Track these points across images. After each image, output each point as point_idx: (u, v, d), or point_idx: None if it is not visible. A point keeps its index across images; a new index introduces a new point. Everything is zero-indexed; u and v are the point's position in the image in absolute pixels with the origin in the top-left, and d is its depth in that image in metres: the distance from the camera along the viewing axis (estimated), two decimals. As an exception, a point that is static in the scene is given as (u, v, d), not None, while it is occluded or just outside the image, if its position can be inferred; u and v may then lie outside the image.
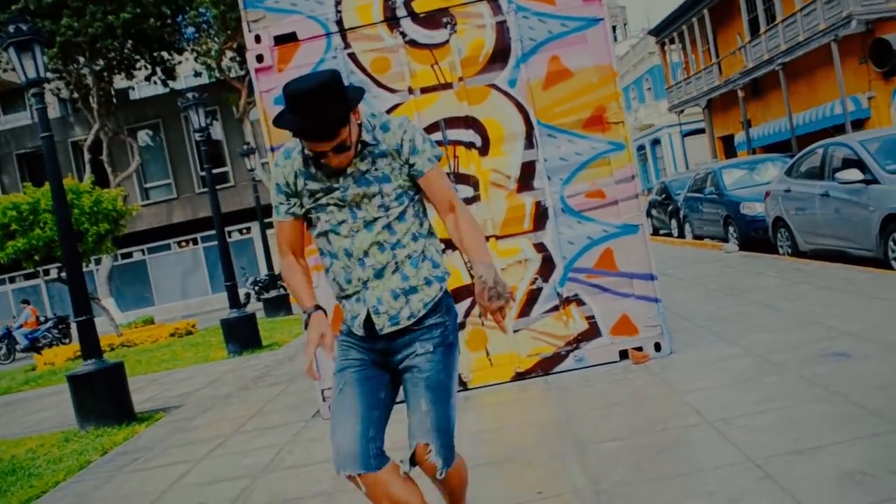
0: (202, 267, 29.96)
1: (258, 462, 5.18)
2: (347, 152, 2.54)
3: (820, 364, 4.97)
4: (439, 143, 5.90)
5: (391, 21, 5.88)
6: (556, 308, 5.99)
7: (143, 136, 29.68)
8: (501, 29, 5.90)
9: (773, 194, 11.27)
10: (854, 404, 4.08)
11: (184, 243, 30.14)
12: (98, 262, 18.56)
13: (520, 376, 6.00)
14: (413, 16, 5.87)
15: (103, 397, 7.51)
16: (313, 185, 2.65)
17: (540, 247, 5.98)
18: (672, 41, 39.50)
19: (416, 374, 2.67)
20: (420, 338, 2.70)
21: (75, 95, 25.36)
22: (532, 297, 6.01)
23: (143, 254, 29.77)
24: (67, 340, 21.74)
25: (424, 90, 5.90)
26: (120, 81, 27.25)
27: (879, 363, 4.77)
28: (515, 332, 5.99)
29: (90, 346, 7.60)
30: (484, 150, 5.95)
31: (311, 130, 2.45)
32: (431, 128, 5.91)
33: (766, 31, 29.22)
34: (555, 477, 3.84)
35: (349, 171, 2.62)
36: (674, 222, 18.53)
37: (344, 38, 5.89)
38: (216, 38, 24.18)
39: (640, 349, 5.97)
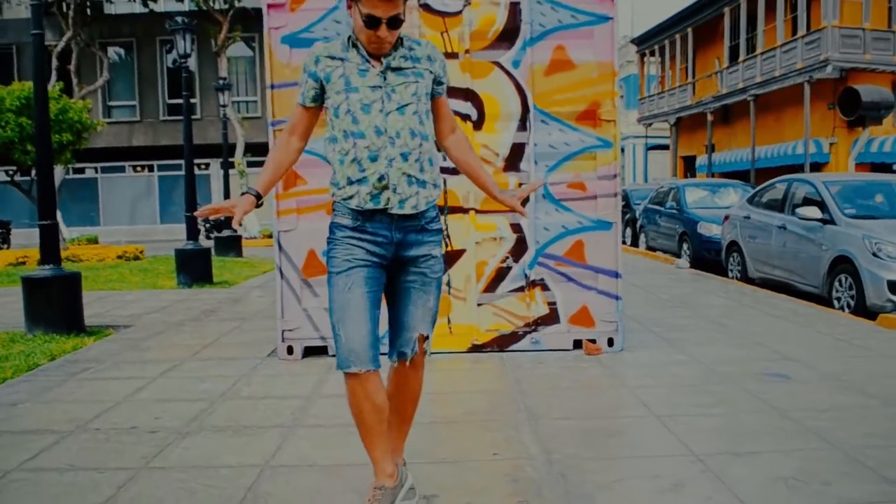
0: (154, 195, 29.56)
1: (215, 388, 5.27)
2: (395, 31, 2.82)
3: (762, 382, 5.26)
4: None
5: (410, -18, 5.97)
6: (521, 289, 6.18)
7: (114, 53, 29.01)
8: (514, 10, 6.02)
9: (732, 219, 11.64)
10: (791, 421, 4.36)
11: (139, 168, 29.65)
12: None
13: (476, 348, 6.19)
14: (432, -20, 5.97)
15: (56, 304, 7.46)
16: (349, 66, 2.89)
17: (516, 227, 6.16)
18: (652, 53, 40.00)
19: (428, 274, 3.00)
20: (429, 239, 3.00)
21: (51, -1, 24.70)
22: (500, 274, 6.19)
23: (96, 172, 29.20)
24: (6, 246, 21.33)
25: (432, 56, 5.99)
26: (100, -7, 26.63)
27: (816, 389, 5.07)
28: (479, 305, 6.17)
29: (51, 251, 7.53)
30: (478, 125, 6.09)
31: None
32: (432, 94, 6.02)
33: (744, 59, 29.80)
34: (509, 442, 4.04)
35: (389, 60, 2.89)
36: (629, 230, 18.93)
37: (361, -10, 5.94)
38: (204, -33, 23.76)
39: (594, 341, 6.20)
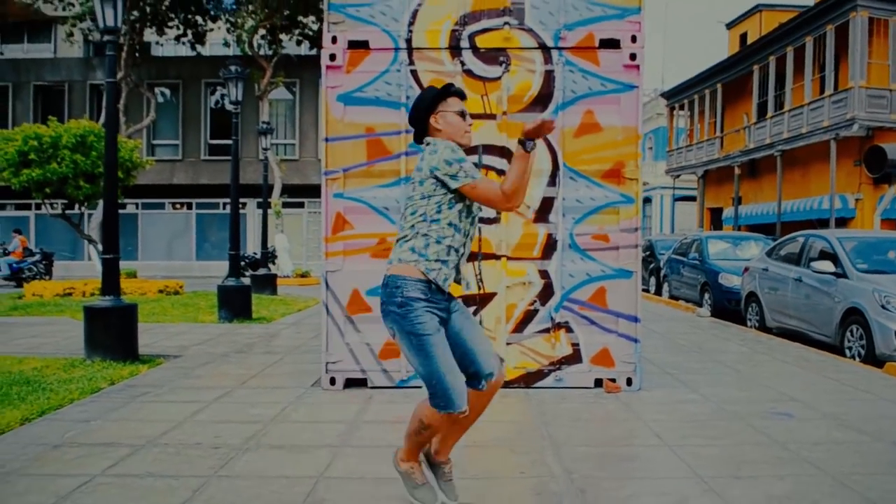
0: (191, 232, 30.44)
1: (266, 413, 5.82)
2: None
3: (766, 419, 5.72)
4: (475, 165, 6.60)
5: (454, 49, 6.62)
6: (547, 330, 6.71)
7: (161, 93, 30.18)
8: (549, 77, 6.65)
9: (752, 271, 12.10)
10: (789, 451, 4.83)
11: (178, 205, 30.61)
12: (92, 206, 18.95)
13: (504, 384, 6.67)
14: (474, 49, 6.62)
15: (114, 333, 8.08)
16: None
17: (544, 273, 6.71)
18: (682, 107, 40.66)
19: (469, 317, 3.75)
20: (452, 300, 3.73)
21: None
22: (528, 316, 6.72)
23: (137, 208, 30.19)
24: (48, 277, 22.13)
25: (473, 115, 6.57)
26: (149, 35, 27.78)
27: (815, 426, 5.53)
28: (507, 345, 6.70)
29: (112, 283, 8.19)
30: (511, 179, 6.67)
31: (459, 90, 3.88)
32: (470, 151, 6.60)
33: (772, 116, 30.34)
34: (534, 464, 4.54)
35: None
36: (653, 280, 19.38)
37: (410, 55, 6.62)
38: (253, 15, 24.83)
39: (613, 380, 6.69)
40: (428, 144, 3.64)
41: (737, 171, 33.22)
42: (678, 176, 40.99)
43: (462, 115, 3.67)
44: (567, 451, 4.81)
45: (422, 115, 3.67)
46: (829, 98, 26.53)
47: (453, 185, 3.48)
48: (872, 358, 8.49)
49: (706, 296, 14.59)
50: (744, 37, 37.82)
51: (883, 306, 8.50)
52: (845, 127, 25.51)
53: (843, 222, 25.96)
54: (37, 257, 22.02)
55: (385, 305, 3.56)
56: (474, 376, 3.63)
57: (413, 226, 3.56)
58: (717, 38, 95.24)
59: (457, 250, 3.58)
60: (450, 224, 3.54)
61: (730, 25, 40.46)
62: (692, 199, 42.22)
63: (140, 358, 8.24)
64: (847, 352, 9.05)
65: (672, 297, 17.07)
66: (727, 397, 6.49)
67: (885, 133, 25.55)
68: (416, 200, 3.57)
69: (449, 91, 3.70)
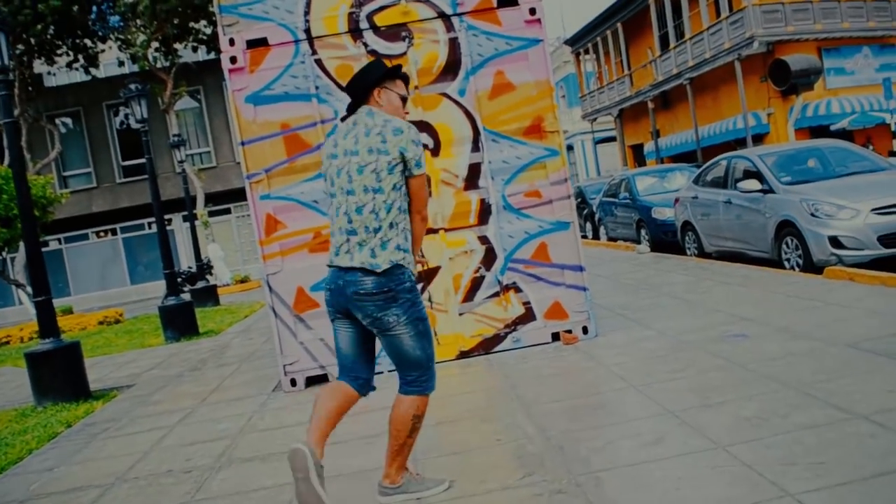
0: (121, 257, 29.68)
1: (232, 427, 5.73)
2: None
3: (723, 343, 5.86)
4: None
5: (354, 32, 6.53)
6: (496, 294, 6.73)
7: (62, 124, 29.22)
8: (454, 44, 6.60)
9: (682, 201, 12.33)
10: (750, 371, 4.95)
11: (102, 233, 29.79)
12: (14, 249, 18.31)
13: (463, 354, 6.72)
14: (375, 28, 6.54)
15: (61, 375, 7.84)
16: None
17: (483, 239, 6.72)
18: (587, 51, 41.01)
19: None
20: None
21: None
22: (476, 283, 6.73)
23: (60, 243, 29.27)
24: (-19, 328, 21.38)
25: (385, 95, 6.55)
26: (39, 67, 26.82)
27: (771, 342, 5.68)
28: (460, 315, 6.71)
29: (49, 325, 7.94)
30: (435, 152, 6.64)
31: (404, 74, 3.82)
32: (389, 130, 6.57)
33: (675, 46, 30.83)
34: (508, 429, 4.57)
35: None
36: (589, 225, 19.62)
37: (311, 45, 6.50)
38: (143, 28, 24.13)
39: (569, 332, 6.76)
40: (373, 117, 3.46)
41: (650, 105, 33.73)
42: (595, 119, 41.44)
43: (404, 100, 3.64)
44: (538, 410, 4.85)
45: (368, 84, 3.54)
46: (726, 20, 27.06)
47: (416, 171, 3.43)
48: (811, 266, 8.74)
49: (643, 232, 14.84)
50: (635, -27, 38.20)
51: (813, 214, 8.74)
52: (746, 46, 26.06)
53: (759, 139, 26.61)
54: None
55: (392, 292, 3.36)
56: (367, 383, 3.70)
57: (392, 223, 3.40)
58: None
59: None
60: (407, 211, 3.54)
61: (619, -37, 40.81)
62: (612, 139, 42.77)
63: (92, 395, 8.03)
64: (786, 264, 9.30)
65: (610, 238, 17.31)
66: (682, 328, 6.62)
67: (785, 45, 26.20)
68: (389, 192, 3.38)
69: (398, 72, 3.64)
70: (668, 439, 3.95)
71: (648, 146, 35.58)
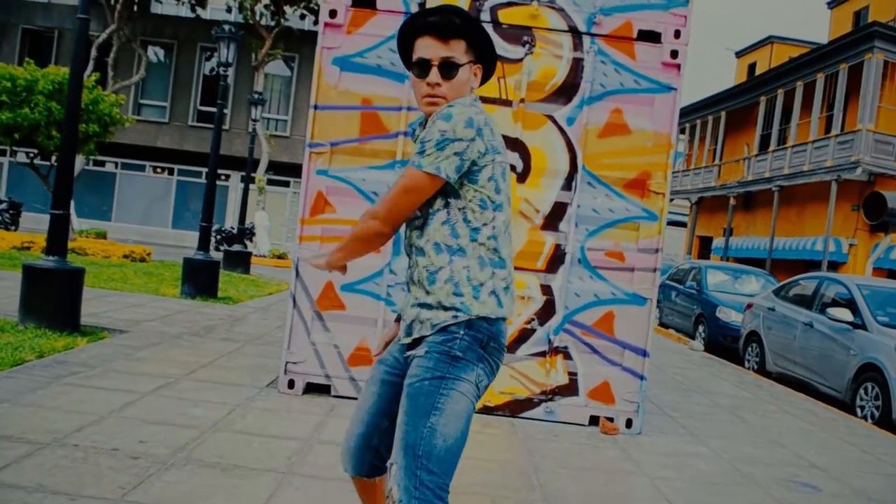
0: (170, 198, 29.36)
1: (207, 416, 4.93)
2: (452, 80, 2.37)
3: (790, 490, 4.91)
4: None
5: (473, 21, 5.74)
6: (543, 354, 5.85)
7: (154, 52, 29.09)
8: (576, 66, 5.79)
9: (756, 308, 11.32)
10: (827, 542, 4.00)
11: (160, 170, 29.51)
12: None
13: (487, 410, 5.84)
14: (496, 23, 5.74)
15: (54, 298, 7.14)
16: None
17: (546, 289, 5.85)
18: (682, 131, 40.00)
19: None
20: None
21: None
22: (523, 335, 5.86)
23: (116, 167, 29.07)
24: (14, 228, 21.07)
25: (483, 100, 5.71)
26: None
27: (848, 507, 4.72)
28: (495, 364, 5.83)
29: (58, 242, 7.24)
30: (522, 177, 5.82)
31: (438, 21, 2.38)
32: (478, 139, 5.77)
33: (774, 150, 29.71)
34: (521, 526, 3.69)
35: None
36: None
37: (422, 22, 5.72)
38: (260, -19, 23.91)
39: (611, 420, 5.85)
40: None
41: (732, 201, 32.56)
42: (672, 200, 40.33)
43: (419, 67, 2.39)
44: (562, 511, 3.95)
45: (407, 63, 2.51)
46: (834, 138, 25.91)
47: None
48: (888, 421, 7.71)
49: (700, 328, 13.80)
50: (752, 67, 37.36)
51: (905, 365, 7.73)
52: (848, 170, 24.89)
53: (834, 266, 25.35)
54: (3, 206, 20.88)
55: None
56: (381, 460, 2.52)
57: None
58: (724, 66, 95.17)
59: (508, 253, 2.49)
60: (489, 233, 2.45)
61: (739, 54, 39.98)
62: (682, 224, 41.66)
63: (81, 329, 7.30)
64: (859, 411, 8.26)
65: (661, 324, 16.28)
66: (739, 454, 5.66)
67: (887, 180, 24.96)
68: None
69: (414, 26, 2.41)
70: None
71: (718, 241, 34.39)
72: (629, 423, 5.86)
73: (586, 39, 5.76)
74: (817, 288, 10.04)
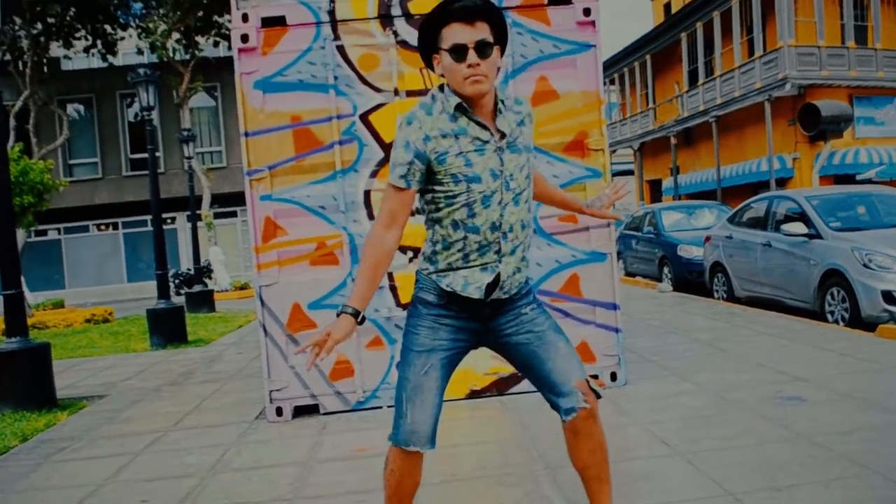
0: (120, 253, 28.92)
1: (203, 461, 4.92)
2: (488, 60, 2.53)
3: (777, 406, 5.04)
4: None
5: (384, 18, 5.75)
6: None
7: (74, 110, 28.60)
8: (493, 42, 5.83)
9: (714, 239, 11.53)
10: (820, 447, 4.13)
11: (104, 226, 29.05)
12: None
13: (475, 394, 5.91)
14: (408, 16, 5.76)
15: (25, 379, 7.04)
16: (464, 142, 2.58)
17: (508, 265, 5.91)
18: (612, 82, 40.38)
19: (535, 327, 2.74)
20: (519, 301, 2.76)
21: (7, 58, 24.30)
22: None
23: (60, 233, 28.55)
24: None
25: (410, 93, 5.79)
26: (56, 50, 26.27)
27: (835, 410, 4.87)
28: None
29: (17, 322, 7.14)
30: (462, 162, 5.86)
31: (464, 7, 2.52)
32: (412, 133, 5.80)
33: (703, 83, 30.17)
34: (530, 498, 3.77)
35: (501, 128, 2.62)
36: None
37: (334, 29, 5.73)
38: (164, 18, 23.54)
39: (596, 377, 5.94)
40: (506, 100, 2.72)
41: (673, 140, 33.02)
42: (614, 151, 40.73)
43: (455, 52, 2.52)
44: (565, 476, 4.00)
45: (425, 54, 2.69)
46: (759, 59, 26.39)
47: None
48: (858, 321, 7.93)
49: (665, 270, 14.02)
50: (667, 6, 37.74)
51: (865, 265, 7.95)
52: (778, 87, 25.37)
53: (782, 183, 25.86)
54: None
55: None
56: (557, 408, 2.77)
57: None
58: (642, 11, 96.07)
59: (480, 253, 2.68)
60: (454, 225, 2.68)
61: (653, -4, 40.38)
62: (630, 173, 42.07)
63: (59, 403, 7.22)
64: (829, 317, 8.49)
65: (627, 273, 16.50)
66: (725, 383, 5.80)
67: (817, 90, 25.50)
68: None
69: (441, 15, 2.56)
70: (738, 536, 3.13)
71: (667, 182, 34.85)
72: (613, 377, 5.97)
73: (497, 15, 5.80)
74: (768, 208, 10.26)
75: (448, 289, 2.65)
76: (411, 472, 2.73)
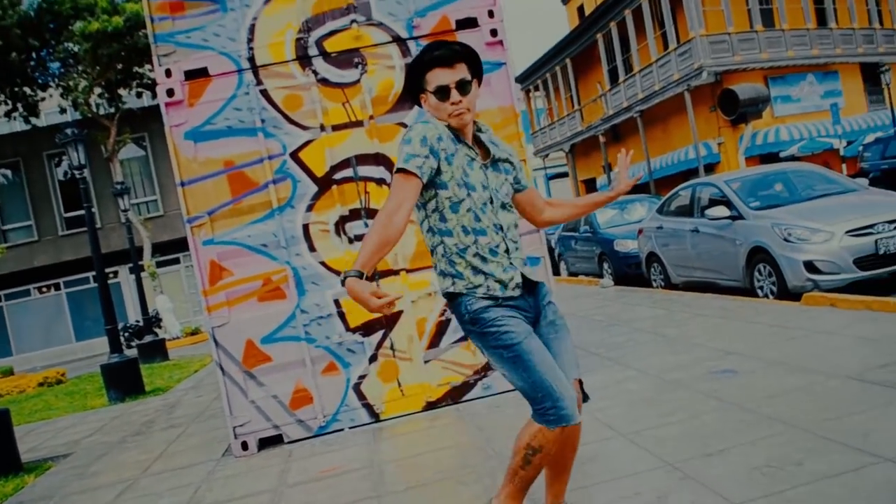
0: (65, 313, 28.47)
1: (177, 502, 5.10)
2: (469, 95, 2.93)
3: (711, 381, 5.41)
4: (350, 179, 6.07)
5: (303, 59, 6.03)
6: (464, 338, 6.20)
7: (1, 175, 28.17)
8: (409, 70, 6.14)
9: (646, 231, 11.99)
10: (749, 411, 4.50)
11: (45, 289, 28.60)
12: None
13: (431, 406, 6.17)
14: (325, 54, 6.05)
15: (-13, 447, 7.11)
16: (461, 155, 2.95)
17: (448, 279, 6.20)
18: (536, 88, 41.19)
19: (557, 321, 3.06)
20: (542, 295, 3.09)
21: None
22: (441, 328, 6.21)
23: (1, 300, 28.05)
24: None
25: (336, 127, 6.07)
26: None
27: (763, 377, 5.25)
28: (426, 362, 6.17)
29: (-27, 392, 7.20)
30: (393, 186, 6.14)
31: (443, 54, 2.92)
32: (343, 164, 6.08)
33: (624, 80, 31.02)
34: (488, 492, 4.02)
35: (490, 156, 3.04)
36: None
37: (256, 74, 5.99)
38: (84, 74, 23.41)
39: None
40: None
41: (601, 139, 33.81)
42: (547, 155, 41.54)
43: (439, 93, 2.91)
44: (520, 468, 4.31)
45: (412, 96, 3.09)
46: (674, 52, 27.26)
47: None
48: (786, 293, 8.39)
49: (605, 265, 14.47)
50: (581, 9, 38.66)
51: (786, 239, 8.42)
52: (695, 76, 26.25)
53: (710, 168, 26.70)
54: None
55: (461, 324, 3.06)
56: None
57: (432, 249, 3.13)
58: (557, 16, 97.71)
59: (494, 253, 3.01)
60: (463, 230, 3.02)
61: (565, 1, 41.29)
62: (565, 175, 42.88)
63: (24, 467, 7.28)
64: (759, 292, 8.95)
65: (571, 273, 16.94)
66: (664, 366, 6.16)
67: (733, 75, 26.44)
68: (421, 213, 3.10)
69: (424, 62, 2.95)
70: (673, 498, 3.45)
71: (601, 180, 35.62)
72: (586, 398, 6.26)
73: (411, 44, 6.12)
74: (692, 195, 10.75)
75: (486, 295, 2.92)
76: (558, 445, 2.93)
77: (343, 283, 2.64)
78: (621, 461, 4.14)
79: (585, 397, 3.09)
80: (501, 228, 2.98)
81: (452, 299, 2.99)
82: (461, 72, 2.92)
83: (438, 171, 2.89)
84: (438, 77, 2.91)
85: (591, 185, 37.97)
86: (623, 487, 3.72)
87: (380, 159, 6.08)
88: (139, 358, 16.23)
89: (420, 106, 3.07)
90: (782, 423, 4.16)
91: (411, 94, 3.07)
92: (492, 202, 2.97)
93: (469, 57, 2.97)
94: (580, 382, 3.07)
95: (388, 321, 6.09)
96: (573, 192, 39.93)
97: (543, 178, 45.48)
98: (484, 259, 2.92)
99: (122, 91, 24.54)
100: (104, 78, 23.08)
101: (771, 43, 27.09)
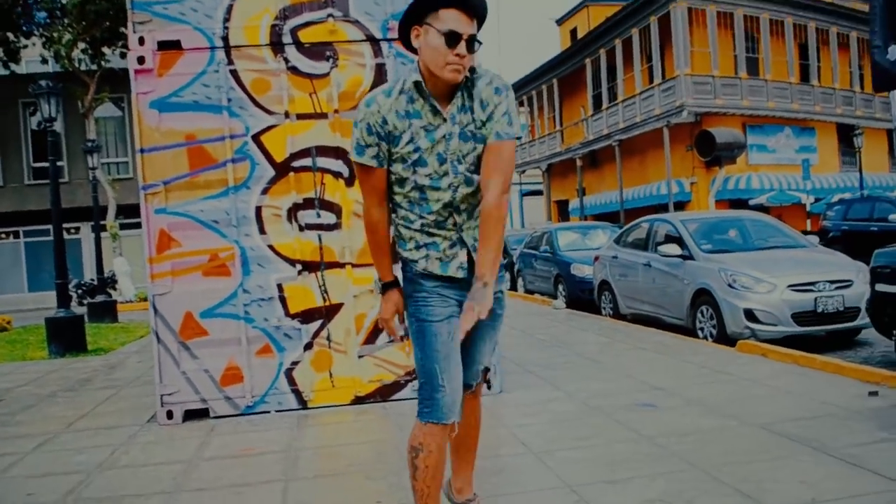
0: (21, 262, 28.13)
1: (91, 460, 5.14)
2: (472, 55, 2.71)
3: (631, 411, 5.56)
4: (308, 168, 6.16)
5: (276, 45, 6.11)
6: (400, 338, 6.28)
7: (-26, 117, 27.80)
8: (380, 70, 6.25)
9: (602, 259, 12.19)
10: (659, 446, 4.65)
11: (4, 235, 28.23)
12: None
13: (359, 400, 6.26)
14: (298, 44, 6.13)
15: (-86, 384, 7.09)
16: (417, 127, 2.77)
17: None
18: (521, 104, 41.42)
19: (497, 310, 2.99)
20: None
21: None
22: (379, 326, 6.29)
23: (-44, 241, 27.67)
24: None
25: (300, 116, 6.15)
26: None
27: (681, 415, 5.42)
28: (360, 357, 6.26)
29: None
30: (350, 181, 6.23)
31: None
32: (302, 153, 6.16)
33: (607, 107, 31.37)
34: (392, 490, 4.14)
35: (451, 113, 2.78)
36: (507, 275, 19.40)
37: (228, 53, 6.06)
38: (70, 28, 23.19)
39: (488, 370, 6.36)
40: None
41: (579, 162, 34.14)
42: (523, 171, 41.74)
43: (449, 38, 2.64)
44: (429, 470, 4.43)
45: (406, 21, 2.77)
46: (658, 87, 27.64)
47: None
48: (724, 337, 8.60)
49: (560, 287, 14.66)
50: (573, 32, 38.99)
51: (730, 285, 8.64)
52: (675, 114, 26.64)
53: (681, 206, 27.10)
54: None
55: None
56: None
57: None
58: (549, 34, 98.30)
59: (439, 228, 2.91)
60: (409, 203, 2.95)
61: (559, 21, 41.62)
62: (539, 193, 43.16)
63: (-52, 410, 7.26)
64: (699, 333, 9.16)
65: (527, 291, 17.12)
66: (592, 391, 6.32)
67: (712, 118, 26.89)
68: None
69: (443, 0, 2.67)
70: (565, 518, 3.59)
71: (574, 203, 35.95)
72: (489, 385, 6.40)
73: (384, 45, 6.22)
74: (649, 230, 10.97)
75: (424, 272, 2.88)
76: (442, 448, 2.86)
77: (381, 291, 2.98)
78: (526, 477, 4.27)
79: (488, 385, 3.18)
80: (451, 204, 2.84)
81: (403, 262, 3.00)
82: (475, 28, 2.71)
83: (389, 152, 2.81)
84: (456, 20, 2.65)
85: (563, 206, 38.30)
86: (520, 502, 3.84)
87: (340, 153, 6.17)
88: (88, 316, 16.21)
89: (403, 41, 2.83)
90: (686, 462, 4.31)
91: (407, 21, 2.77)
92: (447, 174, 2.80)
93: (482, 20, 2.77)
94: (486, 371, 3.17)
95: (328, 312, 6.18)
96: (545, 211, 40.26)
97: (518, 193, 45.76)
98: (430, 234, 2.87)
99: (106, 49, 24.30)
100: (89, 34, 22.86)
101: (753, 91, 27.57)
